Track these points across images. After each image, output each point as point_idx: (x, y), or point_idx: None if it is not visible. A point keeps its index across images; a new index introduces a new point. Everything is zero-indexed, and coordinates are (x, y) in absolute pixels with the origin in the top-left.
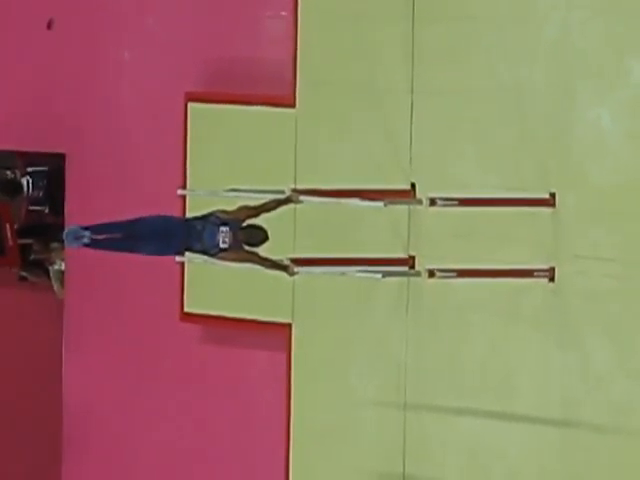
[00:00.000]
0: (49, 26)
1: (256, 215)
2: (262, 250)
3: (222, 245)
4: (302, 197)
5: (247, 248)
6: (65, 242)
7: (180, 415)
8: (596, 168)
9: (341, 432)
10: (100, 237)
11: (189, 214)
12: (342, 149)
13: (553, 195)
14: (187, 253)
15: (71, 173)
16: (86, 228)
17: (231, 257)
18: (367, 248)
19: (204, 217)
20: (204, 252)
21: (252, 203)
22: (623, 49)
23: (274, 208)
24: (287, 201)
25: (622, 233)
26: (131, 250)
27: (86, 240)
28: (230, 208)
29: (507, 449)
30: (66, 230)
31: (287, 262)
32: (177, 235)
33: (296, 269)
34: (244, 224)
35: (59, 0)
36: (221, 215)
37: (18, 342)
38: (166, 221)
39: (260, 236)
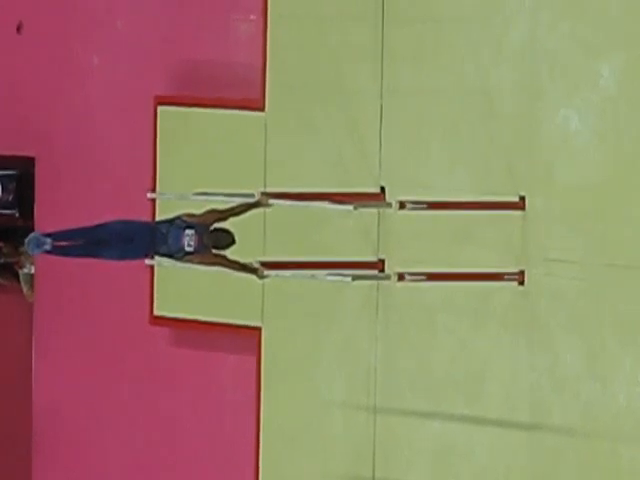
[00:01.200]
0: (18, 30)
1: (224, 219)
2: (232, 252)
3: (187, 248)
4: (272, 200)
5: (215, 251)
6: (27, 249)
7: (150, 418)
8: (565, 171)
9: (311, 434)
10: (63, 243)
11: (159, 217)
12: (312, 152)
13: (522, 198)
14: (156, 257)
15: (41, 177)
16: (48, 235)
17: (197, 260)
18: (337, 251)
19: (170, 220)
20: (170, 255)
21: (220, 207)
22: (590, 50)
23: (243, 212)
24: (256, 205)
25: (591, 235)
26: (94, 256)
27: (47, 247)
28: (197, 211)
29: (476, 451)
30: (28, 237)
31: (257, 265)
32: (140, 239)
33: (266, 272)
34: (211, 227)
35: (28, 3)
36: (187, 218)
37: None
38: (129, 225)
39: (227, 239)
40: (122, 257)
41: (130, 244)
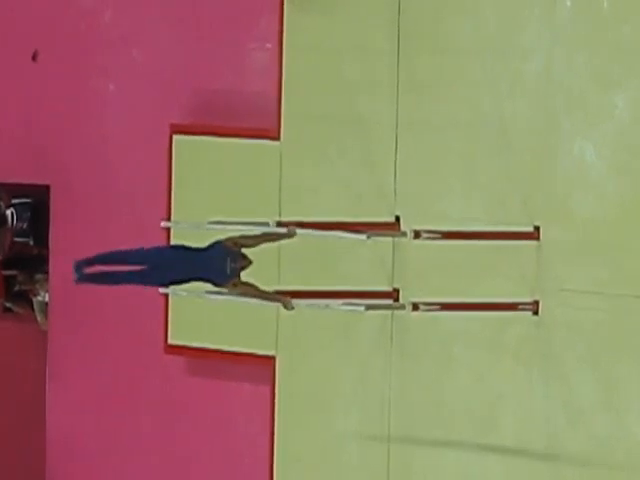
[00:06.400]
0: (34, 58)
1: (257, 245)
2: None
3: (229, 274)
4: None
5: (243, 279)
6: (76, 276)
7: (163, 447)
8: (580, 201)
9: (325, 465)
10: (104, 269)
11: (177, 244)
12: (326, 182)
13: (537, 228)
14: (180, 284)
15: (56, 205)
16: (89, 259)
17: (234, 286)
18: (351, 281)
19: (210, 247)
20: (211, 282)
21: (252, 233)
22: (607, 83)
23: (274, 240)
24: (287, 235)
25: (605, 266)
26: (135, 282)
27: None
28: (233, 236)
29: None
30: (74, 264)
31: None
32: (179, 266)
33: (294, 303)
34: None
35: (44, 32)
36: (224, 244)
37: (1, 373)
38: (166, 252)
39: (244, 262)
40: (163, 284)
41: (170, 271)
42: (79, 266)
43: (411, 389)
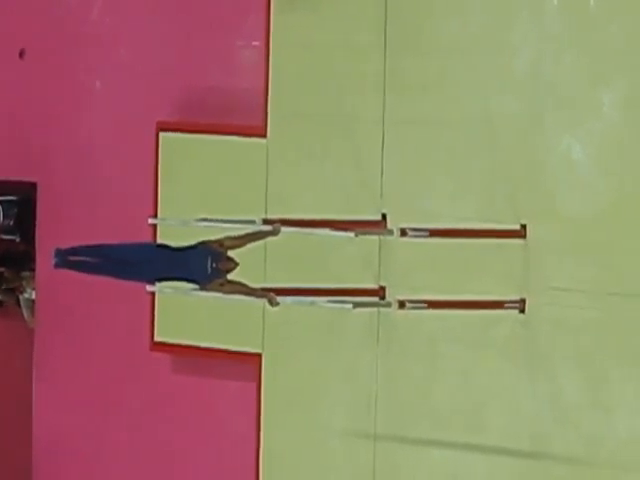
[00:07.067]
0: (21, 55)
1: (242, 245)
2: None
3: (209, 274)
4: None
5: (229, 277)
6: (54, 261)
7: (150, 445)
8: (567, 200)
9: (311, 463)
10: (84, 259)
11: (161, 243)
12: (313, 179)
13: (524, 226)
14: (159, 282)
15: (42, 202)
16: (72, 249)
17: (218, 286)
18: (338, 278)
19: (192, 247)
20: (191, 281)
21: (236, 233)
22: (594, 81)
23: (260, 239)
24: (272, 233)
25: (592, 265)
26: (114, 275)
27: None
28: (216, 237)
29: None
30: (55, 251)
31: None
32: (157, 263)
33: (279, 299)
34: (227, 254)
35: (31, 29)
36: (208, 245)
37: None
38: (148, 249)
39: (229, 265)
40: (137, 279)
41: (149, 268)
42: (60, 253)
43: (397, 387)
